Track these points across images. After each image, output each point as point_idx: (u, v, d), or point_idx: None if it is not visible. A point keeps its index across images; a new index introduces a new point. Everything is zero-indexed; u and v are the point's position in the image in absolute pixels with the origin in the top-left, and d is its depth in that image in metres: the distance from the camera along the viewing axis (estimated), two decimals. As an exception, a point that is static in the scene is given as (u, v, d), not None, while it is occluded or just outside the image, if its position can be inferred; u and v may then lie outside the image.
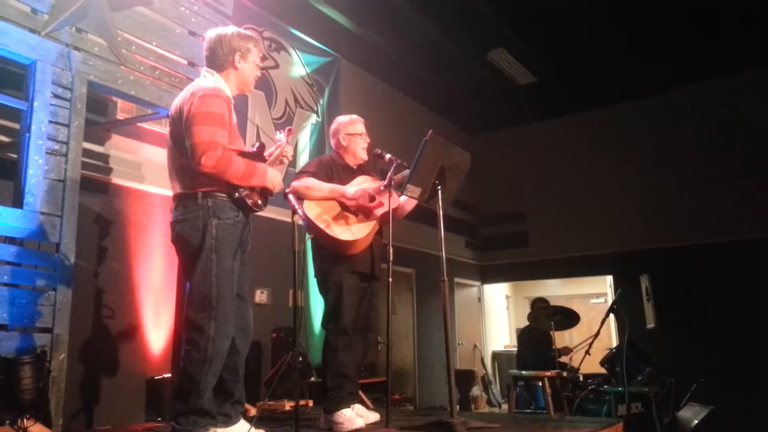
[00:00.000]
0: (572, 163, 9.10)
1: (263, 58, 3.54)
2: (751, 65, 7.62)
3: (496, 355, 9.79)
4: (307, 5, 6.16)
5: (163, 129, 4.39)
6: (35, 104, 3.19)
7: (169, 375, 4.28)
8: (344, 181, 3.26)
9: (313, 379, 4.93)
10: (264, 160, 2.65)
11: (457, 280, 9.12)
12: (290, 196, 3.01)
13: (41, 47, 3.24)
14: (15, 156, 3.30)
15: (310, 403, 4.48)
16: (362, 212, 3.19)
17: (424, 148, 2.96)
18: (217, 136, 2.43)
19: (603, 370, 5.18)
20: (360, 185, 3.25)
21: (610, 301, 7.70)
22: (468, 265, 9.65)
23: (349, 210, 3.18)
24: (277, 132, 2.82)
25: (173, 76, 3.93)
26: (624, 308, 5.21)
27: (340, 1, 6.18)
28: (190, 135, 2.42)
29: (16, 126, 3.41)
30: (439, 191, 3.02)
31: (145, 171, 4.76)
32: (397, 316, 7.65)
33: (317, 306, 5.66)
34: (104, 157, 4.50)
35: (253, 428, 2.60)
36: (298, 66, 6.65)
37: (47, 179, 3.18)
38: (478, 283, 9.98)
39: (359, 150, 3.40)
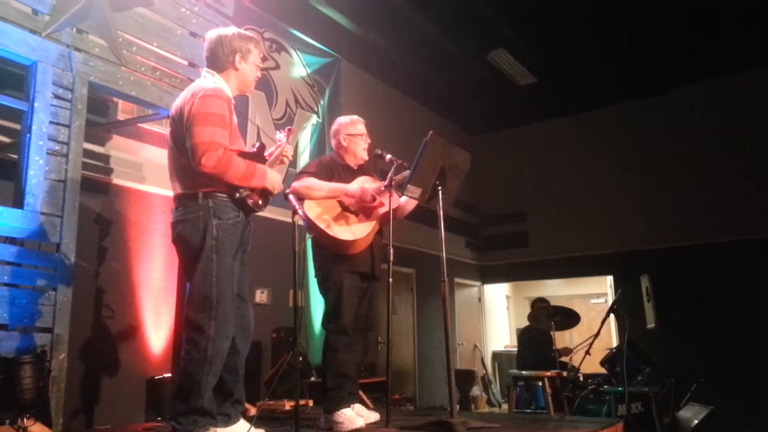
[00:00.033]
0: (572, 163, 9.09)
1: (264, 59, 3.54)
2: (751, 65, 7.62)
3: (496, 355, 9.79)
4: (307, 6, 6.17)
5: (164, 130, 4.40)
6: (36, 105, 3.19)
7: (169, 375, 4.28)
8: (345, 182, 3.26)
9: (313, 379, 4.93)
10: (264, 160, 2.65)
11: (457, 280, 9.12)
12: (291, 197, 3.01)
13: (42, 48, 3.25)
14: (16, 156, 3.30)
15: (310, 403, 4.48)
16: (363, 212, 3.20)
17: (424, 149, 2.96)
18: (217, 136, 2.43)
19: (603, 370, 5.19)
20: (361, 185, 3.25)
21: (610, 301, 7.69)
22: (468, 266, 9.65)
23: (349, 210, 3.19)
24: (278, 132, 2.82)
25: (174, 77, 3.94)
26: (624, 308, 5.22)
27: (341, 1, 6.18)
28: (191, 135, 2.43)
29: (17, 126, 3.42)
30: (440, 192, 3.03)
31: (145, 171, 4.77)
32: (397, 316, 7.65)
33: (317, 306, 5.66)
34: (105, 158, 4.51)
35: (253, 428, 2.61)
36: (298, 67, 6.66)
37: (48, 180, 3.19)
38: (478, 284, 9.97)
39: (360, 150, 3.40)
